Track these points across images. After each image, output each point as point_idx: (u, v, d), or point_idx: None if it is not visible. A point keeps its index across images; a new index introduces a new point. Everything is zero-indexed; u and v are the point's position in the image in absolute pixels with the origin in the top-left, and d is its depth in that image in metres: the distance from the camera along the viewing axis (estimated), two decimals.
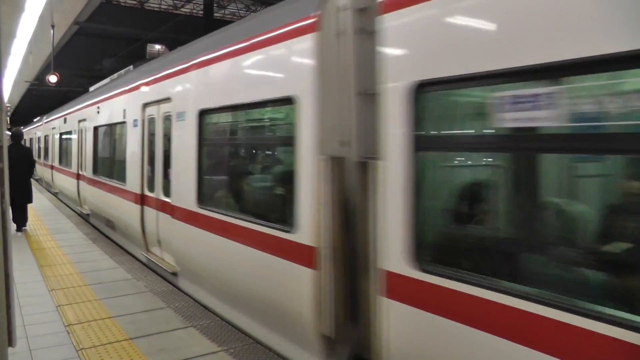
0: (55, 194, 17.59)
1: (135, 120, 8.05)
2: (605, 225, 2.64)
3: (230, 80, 5.26)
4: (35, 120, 27.91)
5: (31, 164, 10.49)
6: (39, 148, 23.25)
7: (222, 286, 5.29)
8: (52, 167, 18.37)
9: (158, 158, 7.25)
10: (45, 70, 21.97)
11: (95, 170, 11.13)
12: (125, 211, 8.47)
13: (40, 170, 22.29)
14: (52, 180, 18.35)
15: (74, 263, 7.57)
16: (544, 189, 2.86)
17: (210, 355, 4.34)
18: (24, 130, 29.31)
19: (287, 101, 4.08)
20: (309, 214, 3.85)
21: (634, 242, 2.38)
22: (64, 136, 15.97)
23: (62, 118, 15.86)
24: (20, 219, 10.05)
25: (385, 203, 3.25)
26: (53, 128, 17.93)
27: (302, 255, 3.89)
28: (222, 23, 20.68)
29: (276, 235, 4.20)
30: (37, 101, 37.83)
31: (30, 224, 10.88)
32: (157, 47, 25.86)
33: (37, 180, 23.02)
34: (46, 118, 21.20)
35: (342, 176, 3.77)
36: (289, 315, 4.13)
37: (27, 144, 26.60)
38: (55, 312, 5.41)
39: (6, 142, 2.35)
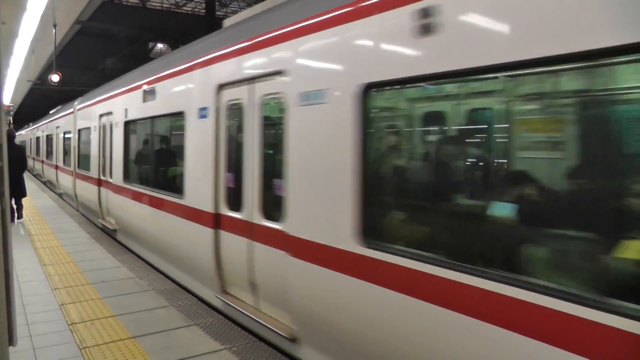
0: (110, 233, 9.98)
1: None
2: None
3: None
4: (52, 112, 21.87)
5: (24, 161, 11.63)
6: (66, 150, 15.56)
7: None
8: (99, 183, 10.74)
9: None
10: (47, 69, 21.98)
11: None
12: None
13: (66, 182, 15.25)
14: (103, 206, 10.49)
15: (77, 262, 7.57)
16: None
17: (214, 354, 4.33)
18: (32, 127, 28.86)
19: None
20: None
21: None
22: (144, 127, 8.47)
23: (138, 90, 8.27)
24: (18, 212, 11.15)
25: None
26: (105, 115, 10.51)
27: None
28: None
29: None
30: (39, 101, 37.90)
31: (33, 223, 10.95)
32: (160, 45, 25.87)
33: (60, 195, 17.19)
34: (80, 102, 13.95)
35: None
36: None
37: (40, 142, 23.99)
38: (58, 311, 5.41)
39: (6, 141, 2.33)
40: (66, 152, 15.63)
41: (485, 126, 3.32)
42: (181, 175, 6.37)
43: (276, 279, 4.42)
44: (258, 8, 6.00)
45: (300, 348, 4.23)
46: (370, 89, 3.46)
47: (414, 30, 3.10)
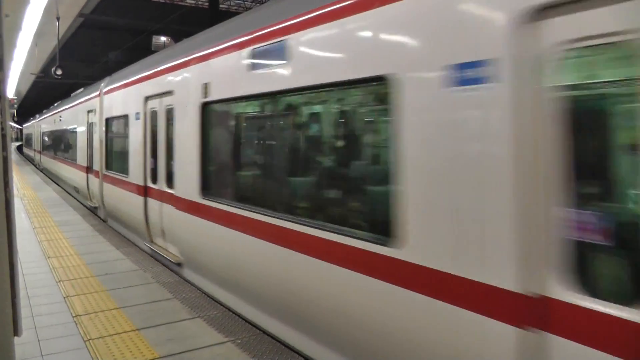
0: None
1: None
2: None
3: None
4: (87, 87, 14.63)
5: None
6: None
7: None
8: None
9: None
10: (50, 62, 21.98)
11: None
12: None
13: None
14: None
15: (81, 254, 7.59)
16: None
17: (218, 346, 4.34)
18: (46, 116, 27.28)
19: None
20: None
21: None
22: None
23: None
24: None
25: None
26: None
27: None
28: (228, 15, 20.59)
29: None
30: (43, 93, 37.95)
31: (36, 216, 10.99)
32: (163, 39, 25.80)
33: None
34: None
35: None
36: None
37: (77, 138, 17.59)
38: (63, 303, 5.43)
39: (10, 132, 2.33)
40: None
41: None
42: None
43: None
44: None
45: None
46: None
47: None
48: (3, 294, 2.20)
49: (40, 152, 27.78)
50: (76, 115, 14.34)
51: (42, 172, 25.10)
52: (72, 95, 17.56)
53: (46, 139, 24.32)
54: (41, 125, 26.94)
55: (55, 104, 24.02)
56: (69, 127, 16.09)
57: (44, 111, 28.63)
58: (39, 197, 14.43)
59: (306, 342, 4.19)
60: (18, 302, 2.30)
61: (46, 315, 5.05)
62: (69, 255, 7.53)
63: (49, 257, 7.37)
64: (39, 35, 16.19)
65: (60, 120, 18.44)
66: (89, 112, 12.45)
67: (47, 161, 23.35)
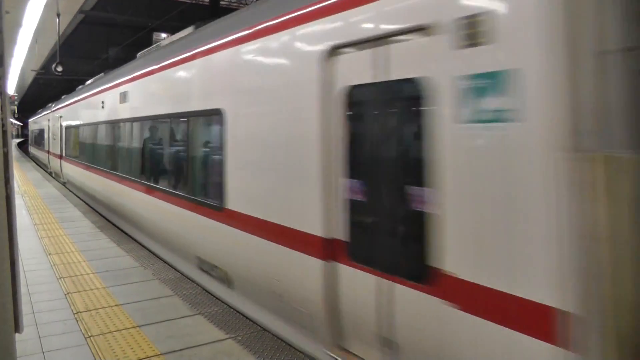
0: None
1: None
2: None
3: None
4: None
5: None
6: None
7: None
8: None
9: None
10: (51, 59, 21.95)
11: None
12: None
13: None
14: None
15: (82, 251, 7.60)
16: None
17: (218, 343, 4.34)
18: (76, 100, 20.01)
19: None
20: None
21: None
22: None
23: None
24: None
25: None
26: None
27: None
28: (228, 11, 20.54)
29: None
30: (43, 90, 37.90)
31: (37, 212, 11.00)
32: (163, 35, 25.76)
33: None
34: None
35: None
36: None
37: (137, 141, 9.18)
38: (63, 300, 5.43)
39: (10, 128, 2.32)
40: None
41: None
42: None
43: None
44: None
45: None
46: None
47: None
48: (4, 291, 2.20)
49: (61, 158, 18.29)
50: (231, 79, 5.32)
51: (64, 186, 17.41)
52: (151, 49, 9.81)
53: (78, 137, 14.79)
54: (64, 115, 17.75)
55: (89, 81, 15.66)
56: (168, 113, 7.14)
57: (63, 97, 20.57)
58: (40, 194, 14.44)
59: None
60: (19, 298, 2.30)
61: (47, 312, 5.06)
62: (70, 252, 7.54)
63: (49, 254, 7.38)
64: (40, 31, 16.18)
65: (122, 101, 9.45)
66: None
67: (84, 177, 13.55)
